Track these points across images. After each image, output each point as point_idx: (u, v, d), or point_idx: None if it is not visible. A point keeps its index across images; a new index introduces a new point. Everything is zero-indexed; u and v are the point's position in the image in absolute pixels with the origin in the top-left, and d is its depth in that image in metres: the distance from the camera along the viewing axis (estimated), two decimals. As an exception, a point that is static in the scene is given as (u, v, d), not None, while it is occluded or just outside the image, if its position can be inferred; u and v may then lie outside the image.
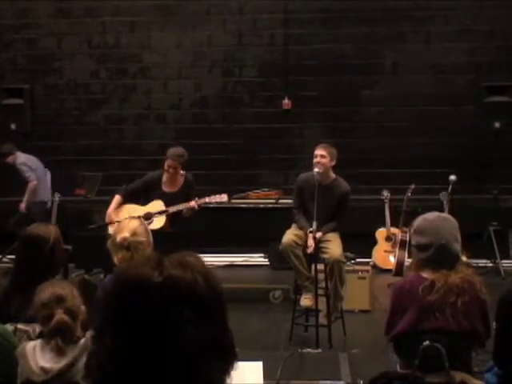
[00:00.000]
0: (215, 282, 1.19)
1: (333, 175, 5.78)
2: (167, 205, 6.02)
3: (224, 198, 5.89)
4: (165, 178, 6.15)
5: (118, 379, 1.13)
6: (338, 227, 5.72)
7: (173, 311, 1.12)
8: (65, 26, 8.84)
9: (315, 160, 5.68)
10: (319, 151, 5.71)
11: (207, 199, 5.91)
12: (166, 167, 6.06)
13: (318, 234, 5.44)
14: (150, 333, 1.12)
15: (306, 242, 5.50)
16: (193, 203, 5.94)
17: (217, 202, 5.89)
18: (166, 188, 6.16)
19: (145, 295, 1.13)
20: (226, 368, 1.18)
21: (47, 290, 2.82)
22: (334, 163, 5.73)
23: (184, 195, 6.11)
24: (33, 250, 3.40)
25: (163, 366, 1.12)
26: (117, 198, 6.09)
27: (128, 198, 6.11)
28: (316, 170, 5.63)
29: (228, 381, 1.18)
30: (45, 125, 8.73)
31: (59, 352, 2.70)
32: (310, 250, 5.43)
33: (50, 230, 3.50)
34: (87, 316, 2.91)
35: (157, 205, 6.05)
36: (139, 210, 6.02)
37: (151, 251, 3.60)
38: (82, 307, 2.87)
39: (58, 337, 2.71)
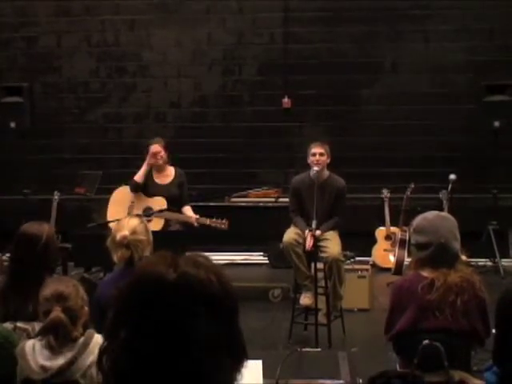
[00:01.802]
0: (228, 282, 1.20)
1: (327, 172, 5.79)
2: (162, 197, 6.12)
3: (224, 225, 5.94)
4: (154, 170, 6.25)
5: (131, 375, 1.14)
6: (337, 224, 5.73)
7: (186, 308, 1.14)
8: (64, 25, 8.83)
9: (314, 158, 5.67)
10: (318, 149, 5.70)
11: (208, 221, 5.96)
12: (152, 157, 6.17)
13: (317, 232, 5.45)
14: (163, 329, 1.13)
15: (305, 240, 5.51)
16: (193, 219, 6.00)
17: (216, 227, 5.94)
18: (158, 180, 6.27)
19: (159, 291, 1.15)
20: (237, 366, 1.19)
21: (51, 286, 2.84)
22: (329, 160, 5.75)
23: (177, 188, 6.20)
24: (26, 248, 3.39)
25: (175, 362, 1.13)
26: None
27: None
28: (316, 168, 5.63)
29: (239, 379, 1.19)
30: (44, 123, 8.72)
31: (52, 350, 2.70)
32: (307, 248, 5.44)
33: (43, 229, 3.49)
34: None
35: (159, 201, 6.09)
36: (143, 199, 6.17)
37: (151, 250, 3.61)
38: (86, 308, 2.87)
39: (51, 334, 2.72)
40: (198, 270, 1.17)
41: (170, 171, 6.32)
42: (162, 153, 6.21)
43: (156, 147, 6.20)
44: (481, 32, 8.37)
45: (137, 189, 6.18)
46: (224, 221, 5.96)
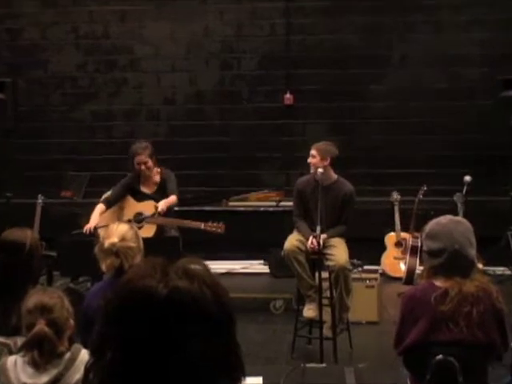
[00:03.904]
0: (223, 295, 1.19)
1: (334, 176, 5.78)
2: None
3: (221, 228, 5.93)
4: (142, 177, 6.28)
5: None
6: (343, 232, 5.71)
7: (178, 326, 1.12)
8: (50, 16, 8.84)
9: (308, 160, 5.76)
10: (311, 150, 5.76)
11: (202, 226, 5.94)
12: (136, 166, 6.15)
13: (323, 236, 5.44)
14: (154, 348, 1.12)
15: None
16: (186, 222, 6.01)
17: (212, 232, 5.92)
18: (144, 188, 6.28)
19: (149, 309, 1.13)
20: None
21: (35, 297, 2.82)
22: (326, 162, 5.69)
23: (161, 195, 6.17)
24: (7, 257, 3.36)
25: (167, 382, 1.12)
26: (100, 208, 6.11)
27: (111, 207, 6.19)
28: (320, 170, 5.65)
29: None
30: (28, 121, 8.73)
31: (36, 366, 2.69)
32: (308, 246, 5.43)
33: (26, 235, 3.46)
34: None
35: (150, 206, 6.08)
36: (133, 205, 6.18)
37: (141, 257, 3.60)
38: (71, 321, 2.85)
39: (36, 349, 2.70)
40: (190, 284, 1.15)
41: (157, 178, 6.31)
42: (149, 163, 6.17)
43: (140, 159, 6.16)
44: (496, 23, 8.38)
45: (112, 206, 6.20)
46: (220, 224, 5.95)
